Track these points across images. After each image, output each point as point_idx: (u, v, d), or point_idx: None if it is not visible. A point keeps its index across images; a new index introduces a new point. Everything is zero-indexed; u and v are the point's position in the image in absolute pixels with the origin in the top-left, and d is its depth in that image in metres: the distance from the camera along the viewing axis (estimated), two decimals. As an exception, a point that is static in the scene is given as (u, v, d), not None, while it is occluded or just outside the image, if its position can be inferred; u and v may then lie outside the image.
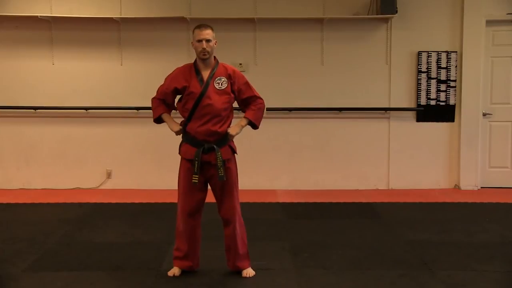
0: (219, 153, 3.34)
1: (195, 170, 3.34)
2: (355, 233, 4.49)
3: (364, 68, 6.20)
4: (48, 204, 5.53)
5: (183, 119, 3.45)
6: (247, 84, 3.49)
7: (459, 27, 6.14)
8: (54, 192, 6.09)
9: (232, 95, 3.43)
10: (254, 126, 3.54)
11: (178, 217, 3.50)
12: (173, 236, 4.30)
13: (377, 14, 5.99)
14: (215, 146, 3.35)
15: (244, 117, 3.50)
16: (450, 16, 6.16)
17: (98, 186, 6.28)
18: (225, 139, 3.41)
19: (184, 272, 3.53)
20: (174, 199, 5.62)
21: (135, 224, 4.76)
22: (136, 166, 6.30)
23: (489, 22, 6.11)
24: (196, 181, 3.35)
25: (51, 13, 6.04)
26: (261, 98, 3.53)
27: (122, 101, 6.13)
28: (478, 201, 5.68)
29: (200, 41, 3.37)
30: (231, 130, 3.41)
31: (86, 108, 6.18)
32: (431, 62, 6.15)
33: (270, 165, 6.34)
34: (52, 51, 6.15)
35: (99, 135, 6.25)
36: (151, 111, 6.35)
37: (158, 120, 3.55)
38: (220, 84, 3.38)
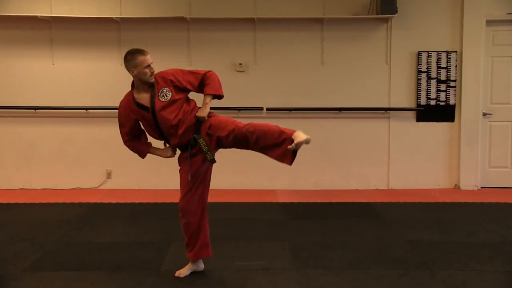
0: (201, 140, 3.36)
1: (189, 168, 3.41)
2: (355, 233, 4.49)
3: (364, 68, 6.20)
4: (48, 204, 5.53)
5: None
6: (190, 72, 3.45)
7: (459, 27, 6.14)
8: (54, 192, 6.09)
9: (183, 94, 3.39)
10: (219, 97, 3.48)
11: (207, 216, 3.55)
12: (173, 236, 4.32)
13: (377, 14, 5.99)
14: (195, 136, 3.37)
15: (205, 95, 3.43)
16: (450, 16, 6.16)
17: (98, 186, 6.28)
18: (199, 123, 3.39)
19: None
20: (174, 199, 5.63)
21: (135, 224, 4.76)
22: (136, 166, 6.27)
23: (489, 22, 6.11)
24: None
25: (51, 13, 6.04)
26: (209, 71, 3.47)
27: (122, 101, 6.13)
28: (478, 201, 5.68)
29: (148, 66, 3.32)
30: (200, 113, 3.39)
31: (86, 108, 6.18)
32: (431, 62, 6.15)
33: (270, 165, 6.28)
34: (52, 51, 6.15)
35: (99, 135, 6.25)
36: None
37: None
38: (164, 96, 3.35)
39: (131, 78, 6.54)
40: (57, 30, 6.12)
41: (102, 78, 6.18)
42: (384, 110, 6.22)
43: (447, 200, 5.72)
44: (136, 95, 3.40)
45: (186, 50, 6.13)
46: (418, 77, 6.18)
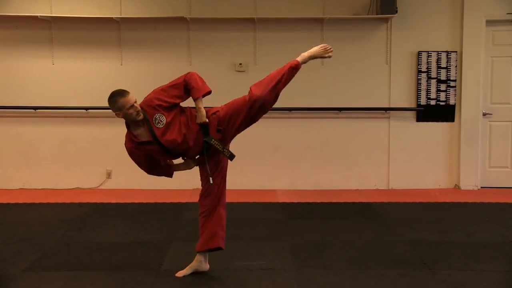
0: (213, 141, 3.36)
1: (209, 172, 3.42)
2: (355, 233, 4.49)
3: (364, 68, 6.20)
4: (48, 204, 5.53)
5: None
6: (170, 87, 3.36)
7: (459, 27, 6.14)
8: (54, 192, 6.09)
9: (175, 110, 3.34)
10: (207, 93, 3.41)
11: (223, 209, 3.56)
12: (173, 236, 4.33)
13: (377, 14, 5.99)
14: (206, 139, 3.36)
15: (195, 99, 3.37)
16: (450, 16, 6.16)
17: (98, 186, 6.28)
18: (204, 127, 3.37)
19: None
20: (174, 199, 5.65)
21: (135, 224, 4.76)
22: (136, 166, 6.27)
23: (489, 22, 6.11)
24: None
25: (51, 13, 6.04)
26: (187, 74, 3.38)
27: (122, 101, 6.13)
28: (478, 201, 5.68)
29: (131, 106, 3.24)
30: (200, 120, 3.35)
31: (86, 108, 6.18)
32: (431, 62, 6.15)
33: (270, 165, 6.34)
34: (52, 51, 6.15)
35: (99, 135, 6.25)
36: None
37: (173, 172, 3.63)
38: (160, 122, 3.30)
39: (131, 77, 6.58)
40: (57, 30, 6.12)
41: (102, 78, 6.18)
42: (384, 110, 6.22)
43: (447, 200, 5.72)
44: (134, 133, 3.35)
45: (186, 50, 6.13)
46: (418, 77, 6.18)
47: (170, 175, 3.63)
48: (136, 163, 3.52)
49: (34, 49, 6.14)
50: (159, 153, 3.39)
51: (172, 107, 3.34)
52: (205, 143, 3.37)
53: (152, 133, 3.30)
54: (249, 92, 3.41)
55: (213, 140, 3.36)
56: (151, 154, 3.42)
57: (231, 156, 3.42)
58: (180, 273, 3.52)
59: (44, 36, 6.13)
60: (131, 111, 3.26)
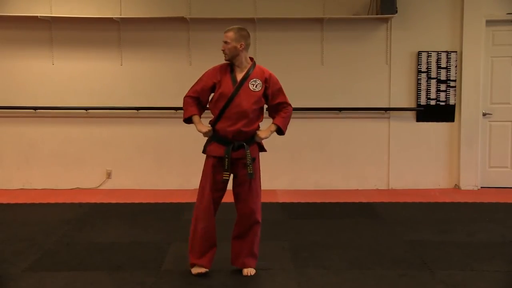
0: (248, 151, 3.39)
1: (226, 167, 3.38)
2: (355, 233, 4.49)
3: (364, 68, 6.20)
4: (48, 204, 5.53)
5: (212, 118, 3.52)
6: (280, 90, 3.55)
7: (459, 27, 6.14)
8: (54, 192, 6.09)
9: (264, 99, 3.47)
10: (281, 132, 3.59)
11: (195, 216, 3.50)
12: (173, 236, 4.32)
13: (377, 14, 5.99)
14: (244, 144, 3.40)
15: (274, 123, 3.55)
16: (450, 16, 6.16)
17: (98, 186, 6.28)
18: (253, 139, 3.48)
19: (184, 272, 3.54)
20: (174, 199, 5.65)
21: (135, 224, 4.75)
22: (136, 166, 6.30)
23: (489, 22, 6.11)
24: (228, 178, 3.40)
25: (51, 13, 6.04)
26: (291, 105, 3.63)
27: (122, 101, 6.13)
28: (478, 201, 5.68)
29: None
30: (261, 134, 3.49)
31: (86, 108, 6.18)
32: (431, 62, 6.15)
33: (270, 165, 6.31)
34: (52, 51, 6.15)
35: (99, 135, 6.25)
36: (150, 111, 6.36)
37: (188, 120, 3.54)
38: (255, 85, 3.43)
39: (131, 77, 6.55)
40: (57, 30, 6.12)
41: (102, 78, 6.18)
42: (384, 110, 6.22)
43: (447, 200, 5.72)
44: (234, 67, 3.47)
45: (186, 50, 6.13)
46: (418, 77, 6.18)
47: (188, 114, 3.49)
48: (199, 79, 3.52)
49: (34, 49, 6.14)
50: (222, 94, 3.39)
51: (265, 96, 3.47)
52: (239, 144, 3.40)
53: (241, 83, 3.39)
54: (255, 214, 3.52)
55: (249, 151, 3.40)
56: (213, 88, 3.46)
57: (251, 175, 3.40)
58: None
59: (44, 36, 6.12)
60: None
